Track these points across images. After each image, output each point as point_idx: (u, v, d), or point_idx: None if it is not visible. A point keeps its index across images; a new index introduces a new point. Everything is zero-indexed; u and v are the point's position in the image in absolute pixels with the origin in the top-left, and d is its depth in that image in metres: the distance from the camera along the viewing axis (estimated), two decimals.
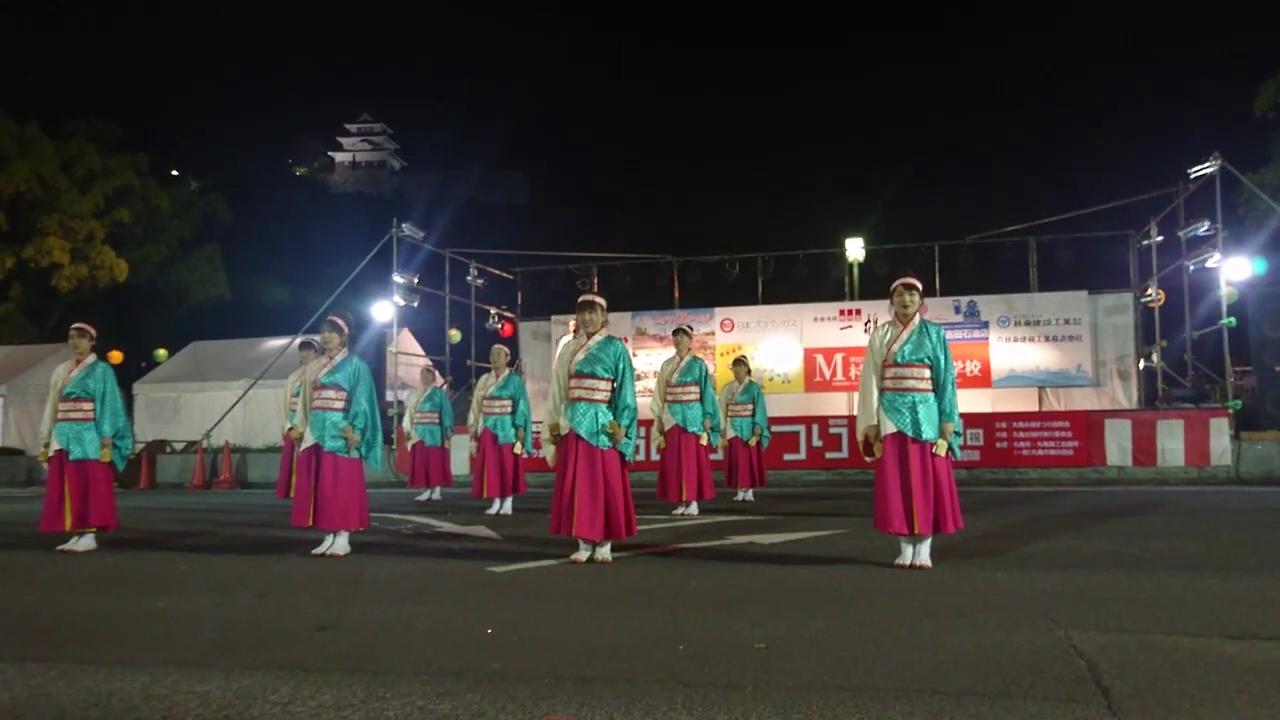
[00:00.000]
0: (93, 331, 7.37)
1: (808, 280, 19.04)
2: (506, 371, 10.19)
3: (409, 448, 12.51)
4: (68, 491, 7.01)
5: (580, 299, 6.14)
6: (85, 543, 7.07)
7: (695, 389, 9.15)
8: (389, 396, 17.14)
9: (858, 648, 3.52)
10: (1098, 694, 2.86)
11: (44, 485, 7.33)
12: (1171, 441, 13.47)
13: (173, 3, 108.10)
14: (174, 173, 41.67)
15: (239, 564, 6.38)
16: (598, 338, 6.02)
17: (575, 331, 6.18)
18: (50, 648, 3.80)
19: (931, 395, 5.48)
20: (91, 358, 7.32)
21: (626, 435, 5.89)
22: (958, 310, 17.44)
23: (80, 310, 26.67)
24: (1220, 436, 13.31)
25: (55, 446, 7.10)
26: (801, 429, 14.76)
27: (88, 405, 7.13)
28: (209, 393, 19.26)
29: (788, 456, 14.49)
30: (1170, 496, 10.72)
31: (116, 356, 18.69)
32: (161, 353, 22.92)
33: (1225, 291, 14.22)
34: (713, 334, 18.36)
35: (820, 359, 17.92)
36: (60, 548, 7.01)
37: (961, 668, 3.20)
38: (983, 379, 17.13)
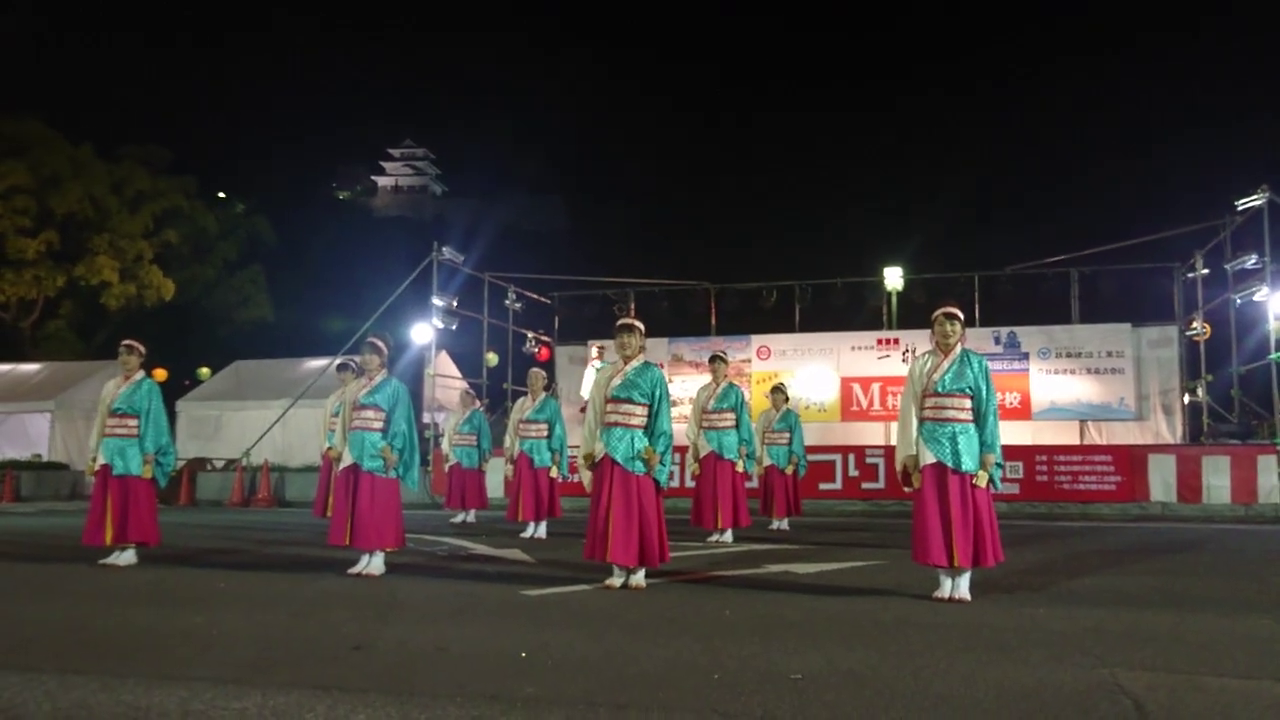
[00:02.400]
0: (142, 349, 7.48)
1: (845, 309, 18.92)
2: (543, 395, 10.23)
3: (446, 469, 12.57)
4: (109, 506, 7.11)
5: (619, 322, 6.14)
6: (127, 557, 7.17)
7: (731, 416, 9.12)
8: (426, 418, 17.26)
9: (895, 681, 3.46)
10: None
11: (88, 499, 7.44)
12: (1217, 478, 13.18)
13: (220, 30, 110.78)
14: (220, 195, 42.60)
15: (276, 582, 6.44)
16: (635, 363, 6.02)
17: (599, 356, 6.20)
18: (91, 660, 3.85)
19: (972, 426, 5.41)
20: (140, 374, 7.44)
21: (661, 461, 5.88)
22: (997, 341, 17.24)
23: (127, 328, 27.09)
24: (1269, 474, 13.01)
25: (101, 461, 7.22)
26: (838, 458, 14.63)
27: (133, 421, 7.24)
28: (249, 411, 19.48)
29: (823, 486, 14.34)
30: (1216, 534, 10.48)
31: (160, 374, 18.97)
32: (204, 371, 23.32)
33: (1273, 326, 13.95)
34: (749, 361, 18.28)
35: (857, 388, 17.78)
36: (102, 562, 7.10)
37: (1002, 704, 3.14)
38: (1022, 411, 16.89)
